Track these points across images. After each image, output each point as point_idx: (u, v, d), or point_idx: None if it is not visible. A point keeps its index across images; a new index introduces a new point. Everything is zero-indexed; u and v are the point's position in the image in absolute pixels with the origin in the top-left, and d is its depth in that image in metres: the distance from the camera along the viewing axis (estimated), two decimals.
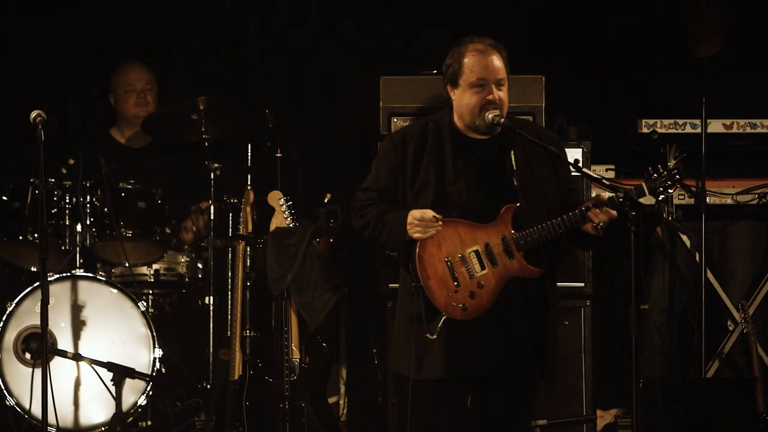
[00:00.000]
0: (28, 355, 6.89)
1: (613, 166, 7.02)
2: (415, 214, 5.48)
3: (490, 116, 5.51)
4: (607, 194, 5.48)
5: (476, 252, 5.52)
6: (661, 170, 5.47)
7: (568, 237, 5.54)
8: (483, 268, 5.51)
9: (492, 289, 5.50)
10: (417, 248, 5.50)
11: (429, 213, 5.47)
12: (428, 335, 5.48)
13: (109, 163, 7.20)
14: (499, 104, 5.53)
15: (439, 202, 5.53)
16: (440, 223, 5.47)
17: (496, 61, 5.52)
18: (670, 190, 5.49)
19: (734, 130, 7.02)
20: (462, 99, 5.56)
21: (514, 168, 5.52)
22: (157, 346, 6.98)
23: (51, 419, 6.33)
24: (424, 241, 5.50)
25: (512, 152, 5.54)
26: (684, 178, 5.49)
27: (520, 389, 5.59)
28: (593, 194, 6.71)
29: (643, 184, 5.46)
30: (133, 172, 7.35)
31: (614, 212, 5.43)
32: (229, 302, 7.18)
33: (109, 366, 6.85)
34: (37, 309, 6.42)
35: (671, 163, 5.46)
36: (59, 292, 6.91)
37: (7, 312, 6.89)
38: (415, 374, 5.54)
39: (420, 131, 5.66)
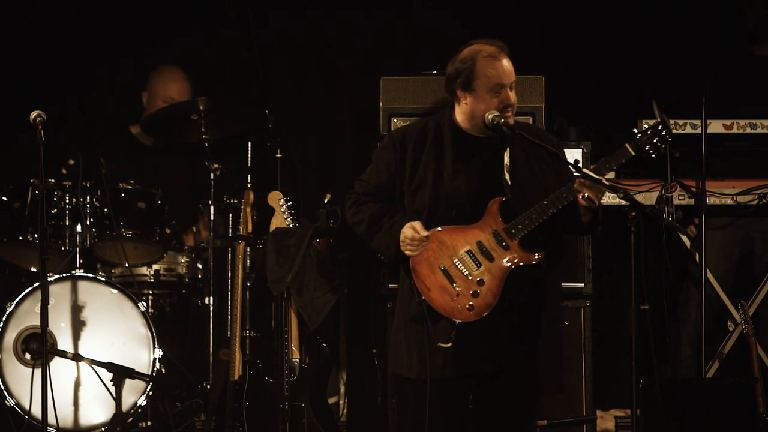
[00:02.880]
0: (28, 356, 6.89)
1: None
2: (406, 233, 5.49)
3: (490, 117, 5.52)
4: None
5: (469, 252, 5.51)
6: (645, 129, 5.43)
7: (566, 228, 5.54)
8: (479, 265, 5.51)
9: (495, 284, 5.50)
10: (411, 263, 5.51)
11: (419, 232, 5.47)
12: (441, 344, 5.46)
13: (109, 164, 7.20)
14: (514, 106, 5.58)
15: (436, 199, 5.55)
16: (428, 236, 5.48)
17: (508, 65, 5.58)
18: (660, 144, 5.40)
19: (734, 130, 7.00)
20: (478, 104, 5.56)
21: (506, 163, 5.53)
22: (156, 346, 6.98)
23: (51, 419, 6.34)
24: (416, 255, 5.51)
25: (508, 149, 5.55)
26: (671, 133, 5.41)
27: (525, 385, 5.59)
28: None
29: (627, 145, 5.42)
30: (147, 169, 7.37)
31: (600, 178, 5.37)
32: (229, 303, 7.18)
33: (109, 366, 6.85)
34: (37, 309, 6.42)
35: (656, 119, 5.40)
36: (59, 293, 6.91)
37: (7, 312, 6.89)
38: (418, 374, 5.53)
39: (420, 130, 5.67)
